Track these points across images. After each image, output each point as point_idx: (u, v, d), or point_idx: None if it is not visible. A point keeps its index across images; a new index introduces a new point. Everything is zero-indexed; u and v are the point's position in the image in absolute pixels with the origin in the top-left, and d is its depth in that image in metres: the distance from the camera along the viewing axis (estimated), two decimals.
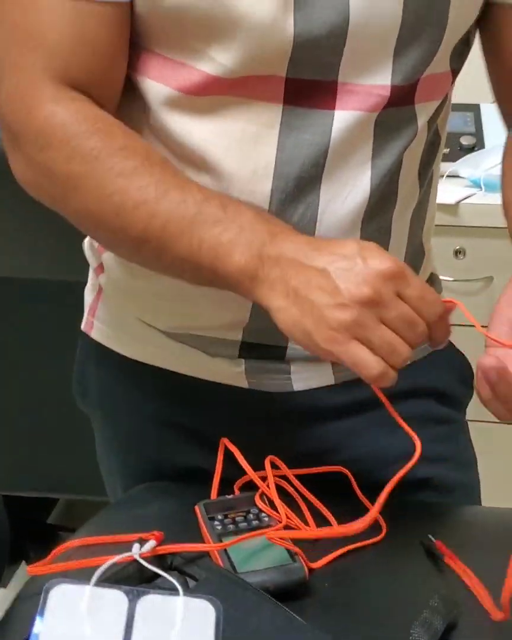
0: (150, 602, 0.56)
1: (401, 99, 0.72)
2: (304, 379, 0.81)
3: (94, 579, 0.57)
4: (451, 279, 1.69)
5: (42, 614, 0.55)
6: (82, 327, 0.92)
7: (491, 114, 1.95)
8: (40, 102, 0.69)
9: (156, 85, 0.72)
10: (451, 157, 1.83)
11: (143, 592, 0.56)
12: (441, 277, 1.69)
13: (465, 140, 1.86)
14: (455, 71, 0.77)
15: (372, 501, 0.72)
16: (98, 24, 0.69)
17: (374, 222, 0.76)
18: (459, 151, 1.83)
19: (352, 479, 0.80)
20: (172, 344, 0.82)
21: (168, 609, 0.55)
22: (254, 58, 0.68)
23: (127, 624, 0.54)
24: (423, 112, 0.75)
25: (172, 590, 0.57)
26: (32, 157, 0.70)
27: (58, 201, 0.71)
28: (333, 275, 0.61)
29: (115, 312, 0.87)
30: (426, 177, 0.81)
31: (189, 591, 0.58)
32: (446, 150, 1.84)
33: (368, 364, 0.61)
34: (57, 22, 0.68)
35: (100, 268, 0.86)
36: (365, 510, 0.72)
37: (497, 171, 1.94)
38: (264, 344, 0.79)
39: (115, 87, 0.73)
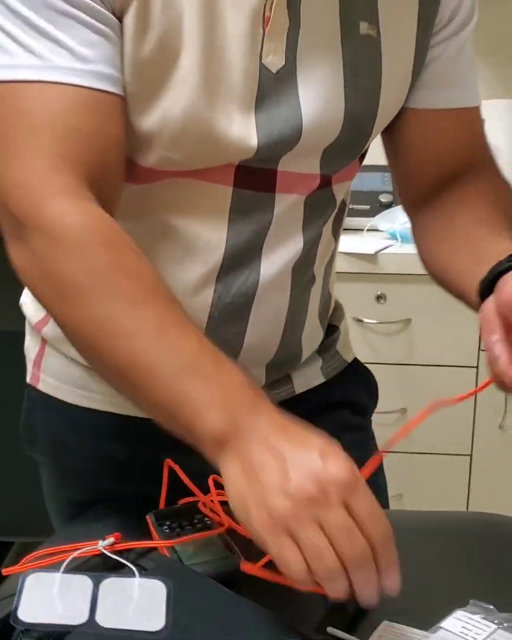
0: (111, 583, 0.66)
1: (325, 184, 0.86)
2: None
3: (63, 567, 0.67)
4: (374, 321, 1.84)
5: (19, 597, 0.65)
6: (28, 379, 0.97)
7: None
8: (51, 194, 0.69)
9: None
10: (371, 213, 2.01)
11: (105, 576, 0.67)
12: (365, 320, 1.87)
13: (383, 198, 2.04)
14: (363, 156, 0.91)
15: None
16: (111, 114, 0.72)
17: (304, 276, 0.90)
18: (378, 207, 2.01)
19: None
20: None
21: (126, 588, 0.66)
22: (211, 161, 0.78)
23: (92, 601, 0.65)
24: (340, 191, 0.89)
25: (130, 575, 0.67)
26: (37, 252, 0.69)
27: (49, 300, 0.71)
28: (289, 463, 0.60)
29: (62, 364, 0.91)
30: (337, 236, 0.95)
31: (143, 575, 0.68)
32: (367, 207, 2.03)
33: (289, 563, 0.59)
34: (69, 109, 0.70)
35: (44, 322, 0.93)
36: None
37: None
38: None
39: (121, 179, 0.76)
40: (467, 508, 1.98)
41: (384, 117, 0.85)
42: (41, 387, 0.95)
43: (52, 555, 0.76)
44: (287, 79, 0.78)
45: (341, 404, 0.99)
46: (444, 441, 1.94)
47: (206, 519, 0.82)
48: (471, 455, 1.96)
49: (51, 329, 0.92)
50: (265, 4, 0.75)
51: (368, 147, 0.90)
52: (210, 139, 0.76)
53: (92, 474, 0.95)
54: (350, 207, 2.14)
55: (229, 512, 0.83)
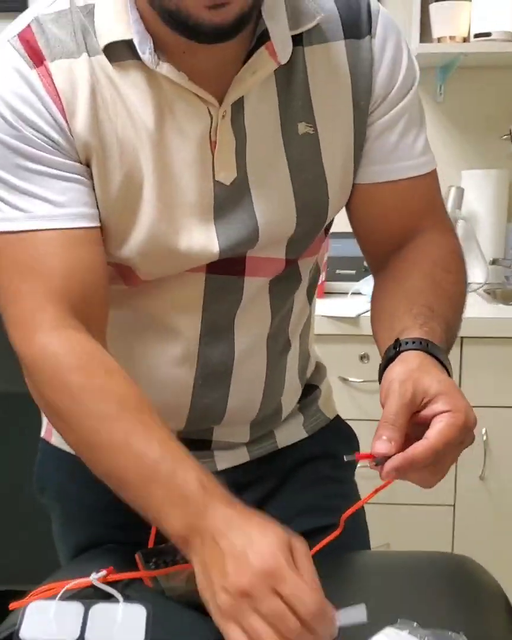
0: (99, 608, 0.78)
1: (291, 264, 0.97)
2: (225, 460, 1.04)
3: (58, 595, 0.79)
4: (359, 380, 1.95)
5: (21, 620, 0.76)
6: (42, 434, 1.12)
7: None
8: (38, 330, 0.82)
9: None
10: (356, 277, 2.14)
11: (94, 602, 0.78)
12: (350, 379, 1.99)
13: (367, 263, 2.17)
14: (327, 231, 1.02)
15: None
16: (89, 247, 0.85)
17: (277, 344, 1.01)
18: (363, 272, 2.14)
19: None
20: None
21: (112, 612, 0.77)
22: (182, 267, 0.91)
23: (83, 623, 0.76)
24: (306, 266, 0.99)
25: (116, 601, 0.79)
26: (30, 379, 0.85)
27: (46, 415, 0.89)
28: (227, 560, 0.71)
29: None
30: (311, 302, 1.07)
31: (127, 600, 0.80)
32: (352, 272, 2.16)
33: None
34: (52, 251, 0.82)
35: None
36: None
37: None
38: (194, 439, 1.00)
39: (105, 299, 0.87)
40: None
41: (337, 201, 0.94)
42: (53, 440, 1.09)
43: (53, 588, 0.87)
44: (241, 187, 0.89)
45: (322, 457, 1.10)
46: (428, 492, 1.98)
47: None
48: (454, 505, 2.02)
49: None
50: (210, 130, 0.86)
51: (331, 222, 1.01)
52: (176, 253, 0.89)
53: (93, 520, 1.07)
54: (336, 272, 2.28)
55: None
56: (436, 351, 0.82)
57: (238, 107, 0.87)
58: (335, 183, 0.93)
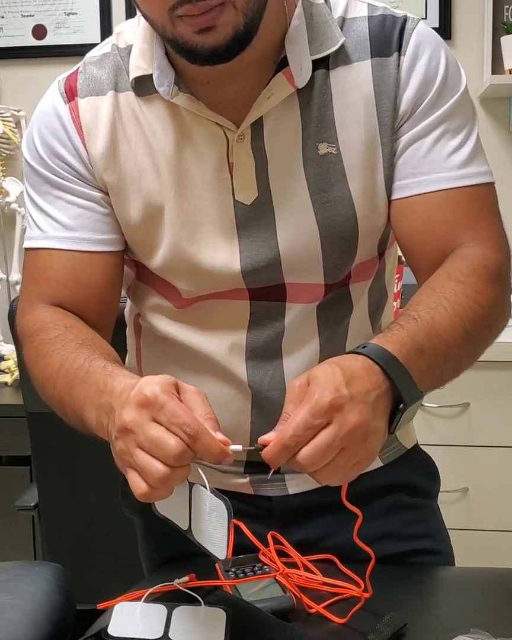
0: (182, 610, 0.81)
1: (336, 287, 0.97)
2: (297, 484, 1.06)
3: (143, 597, 0.83)
4: (435, 405, 1.96)
5: (109, 619, 0.80)
6: None
7: None
8: (27, 311, 0.96)
9: (155, 296, 1.01)
10: None
11: (177, 605, 0.82)
12: (426, 404, 1.99)
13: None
14: (382, 253, 1.01)
15: (360, 574, 0.94)
16: (88, 268, 0.95)
17: None
18: None
19: (338, 562, 1.01)
20: (193, 465, 1.06)
21: (194, 614, 0.81)
22: (213, 286, 0.95)
23: (166, 623, 0.80)
24: (357, 289, 0.99)
25: (198, 605, 0.82)
26: (20, 342, 0.97)
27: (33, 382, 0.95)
28: (115, 413, 0.73)
29: None
30: (377, 324, 1.05)
31: (208, 605, 0.83)
32: None
33: (133, 486, 0.71)
34: (54, 267, 0.95)
35: None
36: (348, 578, 0.96)
37: None
38: (262, 462, 1.03)
39: (104, 318, 0.98)
40: None
41: (368, 222, 0.94)
42: None
43: (139, 594, 0.91)
44: (263, 207, 0.92)
45: (398, 486, 1.09)
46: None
47: (265, 567, 0.96)
48: None
49: None
50: (226, 153, 0.91)
51: (388, 248, 1.01)
52: (201, 269, 0.94)
53: (175, 536, 1.10)
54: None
55: (289, 563, 0.98)
56: (365, 349, 0.77)
57: (258, 129, 0.91)
58: (364, 203, 0.93)
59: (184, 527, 0.76)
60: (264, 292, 0.97)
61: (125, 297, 1.11)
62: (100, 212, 0.95)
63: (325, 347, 1.01)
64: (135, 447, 0.70)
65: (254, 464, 1.05)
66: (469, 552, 1.92)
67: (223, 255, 0.94)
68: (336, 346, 1.02)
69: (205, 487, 0.72)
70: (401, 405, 0.76)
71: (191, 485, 0.75)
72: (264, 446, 0.74)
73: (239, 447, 0.74)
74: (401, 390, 0.76)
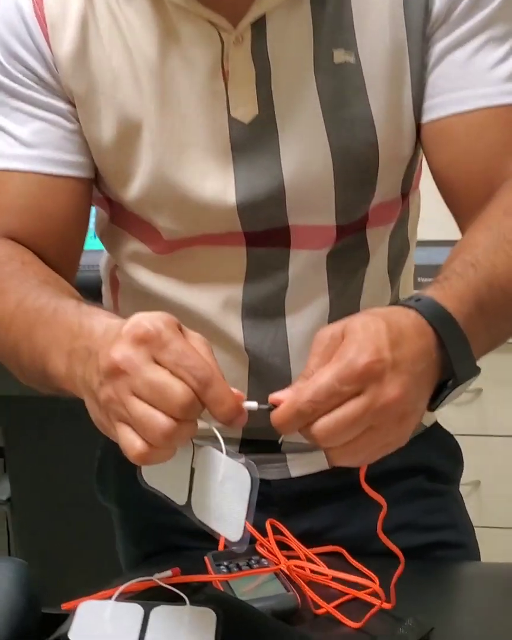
0: (162, 611, 0.66)
1: (350, 231, 0.82)
2: (300, 465, 0.92)
3: (115, 595, 0.68)
4: None
5: (70, 621, 0.65)
6: None
7: None
8: None
9: (132, 241, 0.86)
10: None
11: (156, 604, 0.67)
12: None
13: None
14: (407, 193, 0.86)
15: (374, 569, 0.82)
16: (50, 196, 0.80)
17: None
18: None
19: (347, 555, 0.88)
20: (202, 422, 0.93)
21: (176, 615, 0.66)
22: (202, 225, 0.81)
23: (142, 627, 0.65)
24: (376, 236, 0.85)
25: (182, 604, 0.67)
26: None
27: None
28: (100, 354, 0.58)
29: None
30: (396, 283, 0.92)
31: (193, 603, 0.68)
32: (430, 280, 2.03)
33: (126, 444, 0.56)
34: (10, 191, 0.80)
35: None
36: (359, 573, 0.83)
37: None
38: (261, 440, 0.89)
39: (66, 261, 0.83)
40: None
41: (391, 147, 0.79)
42: None
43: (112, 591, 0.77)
44: (264, 127, 0.78)
45: (416, 469, 0.96)
46: None
47: (263, 559, 0.82)
48: None
49: None
50: (221, 58, 0.77)
51: (413, 189, 0.87)
52: (187, 202, 0.79)
53: (157, 526, 0.97)
54: (418, 280, 2.14)
55: (287, 556, 0.84)
56: (419, 304, 0.63)
57: (260, 30, 0.76)
58: (387, 125, 0.79)
59: (181, 501, 0.61)
60: (264, 236, 0.82)
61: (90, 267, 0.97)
62: (67, 128, 0.80)
63: (335, 304, 0.86)
64: (130, 394, 0.55)
65: (252, 442, 0.90)
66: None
67: (215, 184, 0.79)
68: (348, 303, 0.87)
69: (219, 450, 0.58)
70: (449, 381, 0.61)
71: (196, 447, 0.60)
72: (276, 406, 0.59)
73: (253, 404, 0.58)
74: (453, 362, 0.61)
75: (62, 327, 0.65)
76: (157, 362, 0.55)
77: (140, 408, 0.55)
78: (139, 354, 0.55)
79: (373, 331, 0.58)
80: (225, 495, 0.57)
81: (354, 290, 0.87)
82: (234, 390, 0.57)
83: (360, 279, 0.87)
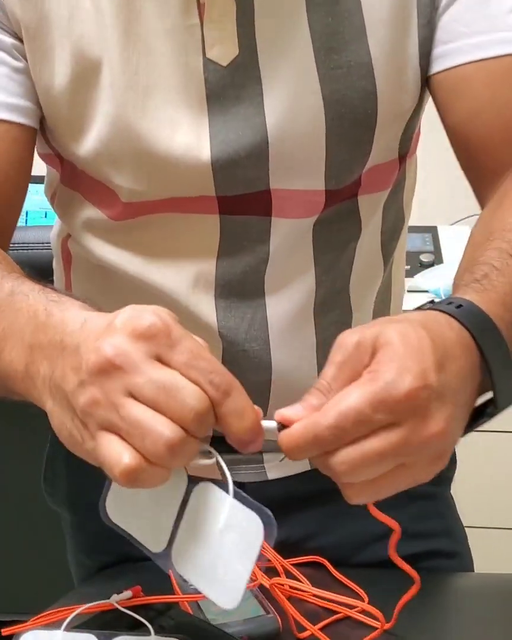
0: None
1: (341, 198, 0.73)
2: (278, 467, 0.82)
3: (65, 624, 0.57)
4: None
5: None
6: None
7: (447, 234, 2.07)
8: None
9: (86, 206, 0.75)
10: (411, 273, 1.93)
11: (114, 634, 0.57)
12: None
13: (425, 258, 1.98)
14: (404, 156, 0.76)
15: (358, 582, 0.73)
16: None
17: (329, 314, 0.77)
18: (419, 267, 1.94)
19: (329, 566, 0.79)
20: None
21: None
22: (169, 185, 0.70)
23: None
24: (369, 204, 0.75)
25: (145, 634, 0.57)
26: None
27: None
28: (81, 349, 0.47)
29: None
30: (389, 259, 0.82)
31: (160, 633, 0.58)
32: (407, 267, 1.94)
33: (111, 457, 0.44)
34: None
35: None
36: (344, 586, 0.74)
37: None
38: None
39: (5, 214, 0.72)
40: None
41: (391, 97, 0.70)
42: None
43: (61, 612, 0.66)
44: (246, 70, 0.67)
45: None
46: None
47: None
48: None
49: None
50: None
51: (411, 152, 0.77)
52: (153, 156, 0.68)
53: (114, 534, 0.85)
54: None
55: (263, 568, 0.74)
56: (462, 312, 0.52)
57: None
58: (388, 73, 0.69)
59: (156, 547, 0.49)
60: (241, 202, 0.71)
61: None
62: (10, 65, 0.68)
63: (323, 282, 0.76)
64: (125, 395, 0.44)
65: (224, 440, 0.79)
66: (484, 556, 1.72)
67: (186, 137, 0.68)
68: (337, 281, 0.77)
69: (223, 489, 0.47)
70: (488, 408, 0.51)
71: (192, 481, 0.49)
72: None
73: (272, 423, 0.48)
74: (496, 387, 0.50)
75: (23, 314, 0.53)
76: (162, 361, 0.45)
77: (139, 411, 0.44)
78: (141, 350, 0.45)
79: (416, 347, 0.47)
80: (223, 549, 0.46)
81: (344, 267, 0.77)
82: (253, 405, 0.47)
83: (350, 254, 0.76)
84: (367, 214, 0.75)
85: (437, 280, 1.84)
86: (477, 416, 0.51)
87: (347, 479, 0.47)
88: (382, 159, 0.73)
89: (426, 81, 0.71)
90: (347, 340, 0.49)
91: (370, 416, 0.45)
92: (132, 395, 0.44)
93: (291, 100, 0.67)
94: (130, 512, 0.49)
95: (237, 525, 0.46)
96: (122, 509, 0.50)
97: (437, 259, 1.96)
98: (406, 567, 0.59)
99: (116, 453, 0.44)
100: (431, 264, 1.95)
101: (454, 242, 2.06)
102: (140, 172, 0.69)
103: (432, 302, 0.52)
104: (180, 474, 0.48)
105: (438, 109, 0.72)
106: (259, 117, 0.67)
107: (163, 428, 0.43)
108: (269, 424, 0.47)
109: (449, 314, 0.51)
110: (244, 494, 0.47)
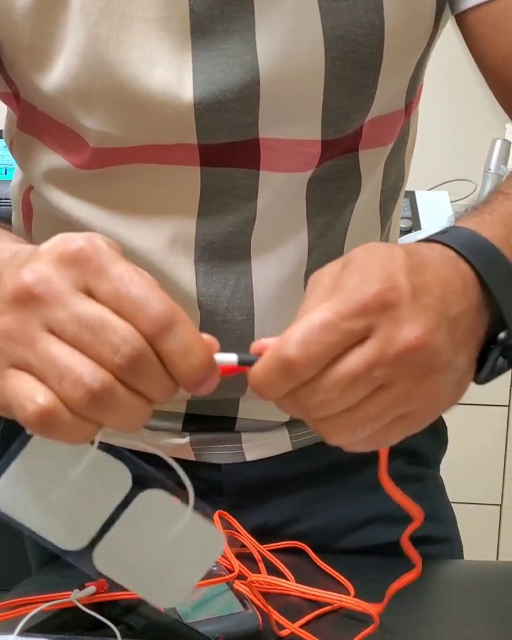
0: None
1: (339, 151, 0.66)
2: (257, 447, 0.75)
3: (19, 627, 0.51)
4: None
5: None
6: None
7: (425, 200, 2.01)
8: None
9: (48, 153, 0.67)
10: None
11: (76, 639, 0.50)
12: None
13: (402, 224, 1.92)
14: (409, 106, 0.70)
15: (340, 570, 0.69)
16: None
17: None
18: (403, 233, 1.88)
19: (310, 552, 0.74)
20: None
21: None
22: (146, 129, 0.63)
23: None
24: (370, 159, 0.69)
25: (111, 638, 0.50)
26: None
27: None
28: (3, 277, 0.41)
29: None
30: (387, 222, 0.75)
31: (128, 636, 0.51)
32: None
33: (23, 395, 0.38)
34: None
35: None
36: (326, 575, 0.69)
37: None
38: (210, 416, 0.73)
39: None
40: (497, 557, 1.88)
41: (406, 38, 0.63)
42: None
43: (14, 608, 0.60)
44: (237, 1, 0.59)
45: (395, 450, 0.80)
46: (474, 491, 1.83)
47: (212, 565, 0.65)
48: (500, 505, 1.85)
49: None
50: None
51: (416, 102, 0.70)
52: (125, 92, 0.60)
53: None
54: None
55: (239, 555, 0.68)
56: (452, 237, 0.47)
57: None
58: (398, 6, 0.62)
59: (71, 545, 0.42)
60: (225, 152, 0.63)
61: None
62: None
63: (316, 247, 0.68)
64: (42, 329, 0.39)
65: (199, 418, 0.73)
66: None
67: (166, 73, 0.60)
68: (331, 247, 0.69)
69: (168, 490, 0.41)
70: (500, 336, 0.45)
71: (137, 487, 0.42)
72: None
73: (232, 357, 0.41)
74: (503, 309, 0.45)
75: None
76: (89, 291, 0.39)
77: (57, 349, 0.38)
78: (66, 279, 0.39)
79: (384, 255, 0.42)
80: (172, 556, 0.41)
81: (339, 230, 0.70)
82: (205, 336, 0.40)
83: (347, 216, 0.69)
84: (368, 171, 0.68)
85: None
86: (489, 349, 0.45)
87: (320, 411, 0.41)
88: (387, 108, 0.66)
89: (457, 19, 0.64)
90: (320, 272, 0.45)
91: (338, 324, 0.40)
92: (52, 331, 0.38)
93: (286, 34, 0.60)
94: (34, 502, 0.42)
95: (193, 536, 0.41)
96: (23, 497, 0.42)
97: (415, 225, 1.90)
98: (414, 554, 0.55)
99: (29, 392, 0.38)
100: (408, 230, 1.89)
101: (431, 208, 2.00)
102: (112, 113, 0.61)
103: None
104: (122, 471, 0.42)
105: (472, 50, 0.65)
106: (250, 54, 0.59)
107: (83, 369, 0.37)
108: (226, 357, 0.40)
109: (430, 241, 0.46)
110: (199, 500, 0.41)
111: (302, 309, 0.42)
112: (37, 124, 0.66)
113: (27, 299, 0.39)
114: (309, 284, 0.44)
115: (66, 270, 0.39)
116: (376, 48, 0.62)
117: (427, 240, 0.46)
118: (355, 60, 0.61)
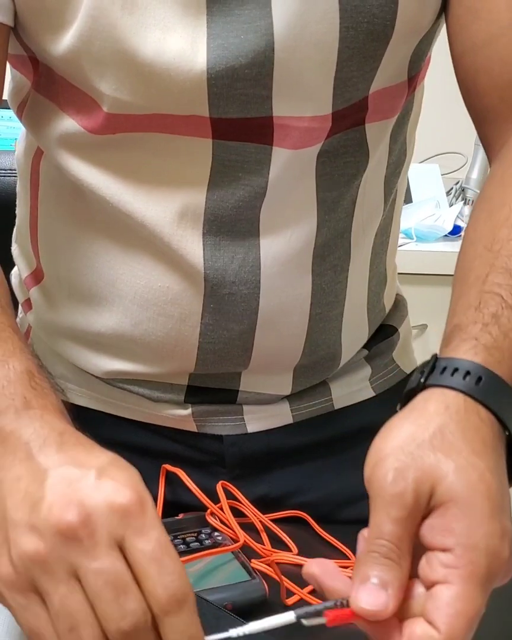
0: None
1: (347, 125, 0.66)
2: (259, 419, 0.75)
3: None
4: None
5: None
6: None
7: (416, 172, 2.00)
8: None
9: (63, 117, 0.66)
10: None
11: None
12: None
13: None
14: (414, 79, 0.69)
15: (343, 540, 0.69)
16: None
17: (328, 259, 0.70)
18: None
19: (312, 523, 0.74)
20: (110, 389, 0.75)
21: None
22: (159, 97, 0.61)
23: None
24: (376, 132, 0.68)
25: None
26: None
27: None
28: (48, 482, 0.42)
29: (45, 355, 0.77)
30: (390, 197, 0.74)
31: None
32: None
33: (36, 636, 0.41)
34: None
35: (28, 304, 0.80)
36: (328, 545, 0.70)
37: (428, 222, 1.95)
38: (212, 388, 0.73)
39: None
40: None
41: (415, 14, 0.62)
42: None
43: None
44: None
45: (376, 430, 0.80)
46: None
47: (215, 533, 0.66)
48: None
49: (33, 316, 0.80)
50: None
51: (420, 78, 0.69)
52: (137, 58, 0.59)
53: None
54: None
55: (241, 525, 0.68)
56: (486, 391, 0.47)
57: None
58: None
59: None
60: (238, 127, 0.62)
61: None
62: None
63: (325, 223, 0.68)
64: (70, 574, 0.40)
65: (201, 390, 0.73)
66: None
67: (179, 40, 0.59)
68: (340, 222, 0.69)
69: None
70: None
71: None
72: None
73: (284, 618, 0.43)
74: None
75: None
76: (122, 544, 0.41)
77: (75, 602, 0.40)
78: (108, 527, 0.41)
79: (484, 493, 0.42)
80: None
81: (348, 206, 0.69)
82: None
83: (354, 192, 0.69)
84: (374, 143, 0.67)
85: (407, 221, 1.78)
86: None
87: None
88: (391, 80, 0.65)
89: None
90: (400, 488, 0.43)
91: (480, 601, 0.41)
92: (78, 575, 0.40)
93: (302, 4, 0.58)
94: None
95: None
96: None
97: (407, 198, 1.90)
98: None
99: (41, 631, 0.41)
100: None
101: (423, 181, 2.00)
102: (124, 78, 0.60)
103: (434, 357, 0.44)
104: None
105: (448, 34, 0.64)
106: (266, 19, 0.58)
107: (86, 632, 0.40)
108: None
109: (473, 398, 0.46)
110: None
111: (380, 527, 0.42)
112: (54, 87, 0.65)
113: (70, 537, 0.40)
114: (390, 495, 0.43)
115: (111, 519, 0.40)
116: (389, 21, 0.61)
117: (468, 392, 0.46)
118: (368, 31, 0.60)
